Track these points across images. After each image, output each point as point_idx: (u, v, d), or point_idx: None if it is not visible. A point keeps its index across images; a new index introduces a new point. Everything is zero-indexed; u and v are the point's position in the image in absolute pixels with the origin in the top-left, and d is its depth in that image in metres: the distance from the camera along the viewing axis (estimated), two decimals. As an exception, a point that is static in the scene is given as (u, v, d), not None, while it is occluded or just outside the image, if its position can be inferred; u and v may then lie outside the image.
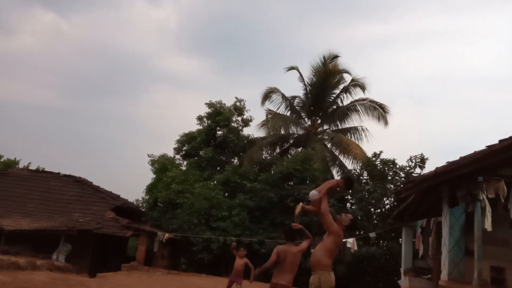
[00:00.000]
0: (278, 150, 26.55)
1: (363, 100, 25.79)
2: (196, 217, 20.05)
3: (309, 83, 26.60)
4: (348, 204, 21.84)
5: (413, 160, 20.76)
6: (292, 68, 26.91)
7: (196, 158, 24.63)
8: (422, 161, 20.62)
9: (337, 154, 25.33)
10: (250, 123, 26.32)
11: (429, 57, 71.51)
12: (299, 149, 23.91)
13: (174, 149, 25.96)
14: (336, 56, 26.30)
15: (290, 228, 6.15)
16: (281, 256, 5.88)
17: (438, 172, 7.87)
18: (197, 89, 74.35)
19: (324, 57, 26.05)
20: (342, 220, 4.99)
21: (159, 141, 64.60)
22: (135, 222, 19.67)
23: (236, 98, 26.07)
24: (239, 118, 25.96)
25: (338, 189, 5.25)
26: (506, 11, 68.38)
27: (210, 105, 25.45)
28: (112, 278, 14.09)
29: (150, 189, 23.80)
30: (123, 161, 65.86)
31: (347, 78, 26.76)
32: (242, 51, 78.26)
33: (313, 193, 5.10)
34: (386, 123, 24.89)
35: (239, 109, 25.79)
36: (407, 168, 20.82)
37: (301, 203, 5.37)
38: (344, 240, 15.81)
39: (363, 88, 26.02)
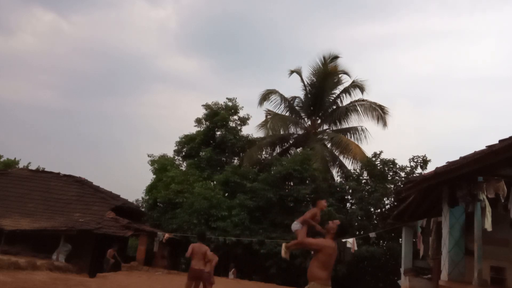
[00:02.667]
0: (278, 150, 26.53)
1: (363, 101, 25.81)
2: (196, 217, 20.03)
3: (309, 83, 26.64)
4: (348, 204, 21.85)
5: (416, 160, 20.74)
6: (293, 71, 27.00)
7: (195, 159, 24.64)
8: (424, 162, 20.57)
9: (337, 154, 25.34)
10: (248, 121, 26.23)
11: (429, 57, 71.63)
12: (299, 149, 23.89)
13: (174, 151, 26.08)
14: (336, 57, 26.34)
15: (203, 232, 10.27)
16: (195, 250, 8.56)
17: (438, 172, 7.85)
18: (197, 89, 74.46)
19: (324, 58, 26.09)
20: (330, 229, 4.91)
21: (159, 141, 64.69)
22: (135, 222, 19.65)
23: (228, 98, 26.08)
24: (236, 117, 25.91)
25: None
26: (506, 11, 68.48)
27: (207, 106, 25.55)
28: (112, 278, 14.07)
29: (150, 189, 23.81)
30: (123, 161, 65.89)
31: (347, 78, 26.83)
32: (242, 51, 78.35)
33: (295, 225, 5.15)
34: (385, 124, 24.89)
35: (233, 108, 25.75)
36: (408, 168, 20.80)
37: (284, 244, 5.25)
38: (344, 240, 15.78)
39: (362, 89, 26.05)
